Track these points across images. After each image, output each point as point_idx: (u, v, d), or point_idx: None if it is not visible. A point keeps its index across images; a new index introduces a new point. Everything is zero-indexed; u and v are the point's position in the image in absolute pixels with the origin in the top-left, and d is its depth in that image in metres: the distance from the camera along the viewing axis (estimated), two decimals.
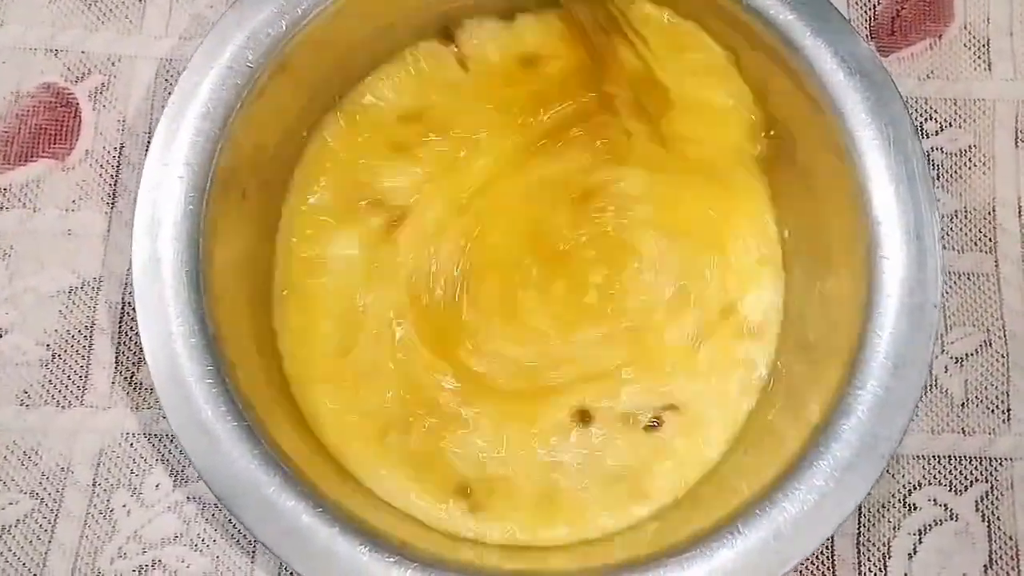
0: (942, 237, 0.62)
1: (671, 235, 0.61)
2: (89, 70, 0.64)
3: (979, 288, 0.62)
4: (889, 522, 0.59)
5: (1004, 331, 0.62)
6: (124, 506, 0.58)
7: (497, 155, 0.62)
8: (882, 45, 0.66)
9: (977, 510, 0.59)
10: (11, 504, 0.58)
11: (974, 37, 0.66)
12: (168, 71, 0.64)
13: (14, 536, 0.58)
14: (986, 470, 0.60)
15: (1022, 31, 0.66)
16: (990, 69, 0.66)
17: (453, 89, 0.62)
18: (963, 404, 0.61)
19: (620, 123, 0.61)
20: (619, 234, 0.61)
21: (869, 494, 0.53)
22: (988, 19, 0.66)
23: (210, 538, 0.58)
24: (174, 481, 0.59)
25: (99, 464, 0.59)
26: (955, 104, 0.65)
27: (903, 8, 0.67)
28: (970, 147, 0.64)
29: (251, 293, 0.57)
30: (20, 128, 0.63)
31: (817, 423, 0.51)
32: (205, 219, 0.52)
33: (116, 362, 0.60)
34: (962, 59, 0.66)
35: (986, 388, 0.61)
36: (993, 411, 0.61)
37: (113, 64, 0.64)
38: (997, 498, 0.60)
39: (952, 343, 0.62)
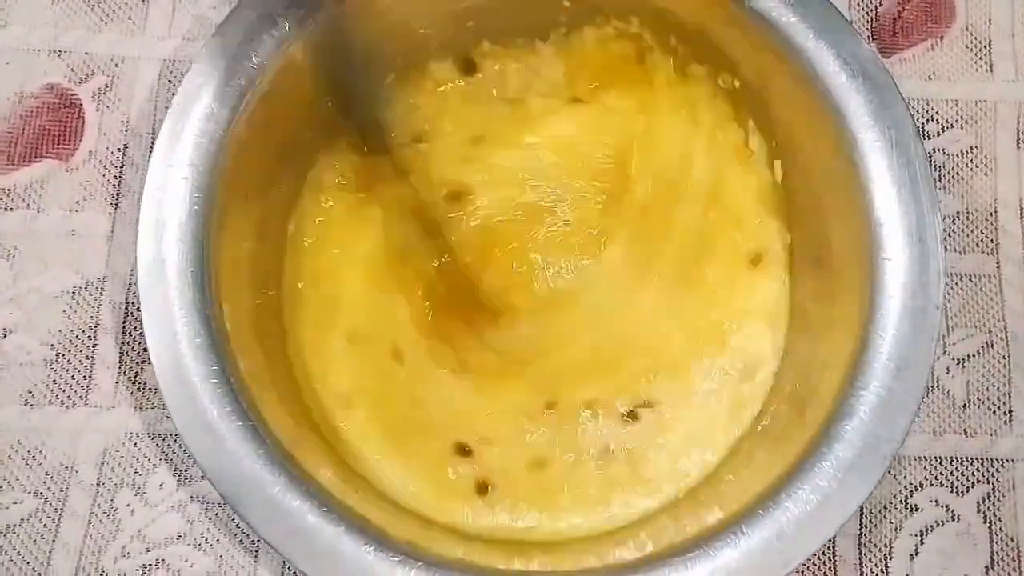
0: (944, 239, 0.62)
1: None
2: (92, 71, 0.64)
3: (981, 289, 0.62)
4: (891, 523, 0.59)
5: (1006, 332, 0.62)
6: (128, 505, 0.58)
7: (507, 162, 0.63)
8: (884, 46, 0.66)
9: (979, 511, 0.60)
10: (15, 503, 0.58)
11: (976, 38, 0.66)
12: (171, 72, 0.64)
13: (18, 535, 0.58)
14: (988, 471, 0.60)
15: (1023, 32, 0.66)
16: (992, 70, 0.66)
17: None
18: (965, 405, 0.61)
19: None
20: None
21: (871, 495, 0.53)
22: (990, 20, 0.67)
23: (214, 537, 0.58)
24: (178, 481, 0.59)
25: (103, 463, 0.59)
26: (957, 105, 0.65)
27: (905, 9, 0.67)
28: (972, 148, 0.65)
29: (256, 293, 0.57)
30: (24, 129, 0.63)
31: (820, 424, 0.51)
32: (209, 220, 0.52)
33: (120, 362, 0.60)
34: (964, 60, 0.66)
35: (988, 389, 0.61)
36: (995, 412, 0.61)
37: (116, 65, 0.64)
38: (999, 499, 0.60)
39: (954, 344, 0.62)
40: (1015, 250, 0.63)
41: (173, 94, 0.54)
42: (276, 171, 0.58)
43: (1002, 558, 0.59)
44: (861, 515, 0.59)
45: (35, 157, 0.63)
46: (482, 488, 0.58)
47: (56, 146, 0.63)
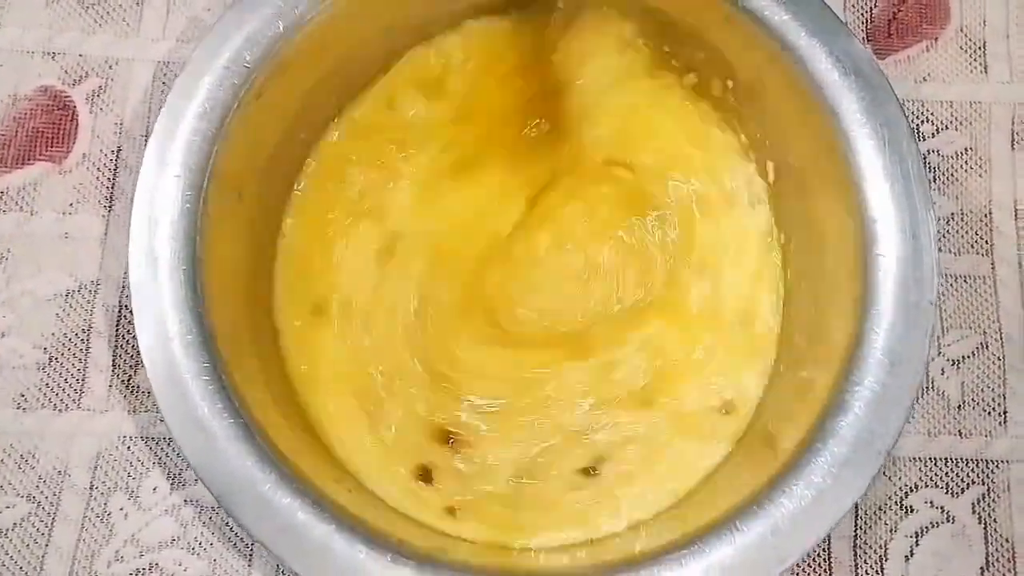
0: (939, 240, 0.62)
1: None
2: (86, 73, 0.64)
3: (975, 291, 0.62)
4: (886, 524, 0.59)
5: (1000, 333, 0.62)
6: (121, 509, 0.58)
7: (496, 165, 0.63)
8: (879, 47, 0.66)
9: (974, 512, 0.59)
10: (8, 508, 0.58)
11: (970, 40, 0.66)
12: (165, 74, 0.64)
13: (11, 540, 0.58)
14: (983, 472, 0.60)
15: (1018, 34, 0.66)
16: (986, 72, 0.66)
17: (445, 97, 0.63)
18: (960, 406, 0.61)
19: None
20: None
21: (865, 495, 0.54)
22: (984, 22, 0.67)
23: (207, 541, 0.58)
24: (171, 484, 0.59)
25: (96, 467, 0.59)
26: (951, 107, 0.65)
27: (899, 11, 0.67)
28: (966, 150, 0.65)
29: (248, 292, 0.57)
30: (17, 131, 0.63)
31: (814, 420, 0.51)
32: (202, 219, 0.52)
33: (113, 365, 0.60)
34: (958, 62, 0.66)
35: (982, 390, 0.61)
36: (989, 413, 0.61)
37: (110, 67, 0.64)
38: (994, 500, 0.60)
39: (949, 345, 0.62)
40: (1010, 251, 0.63)
41: (167, 95, 0.54)
42: (269, 170, 0.58)
43: (997, 559, 0.59)
44: (856, 516, 0.59)
45: (28, 159, 0.63)
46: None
47: (49, 148, 0.63)
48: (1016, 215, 0.64)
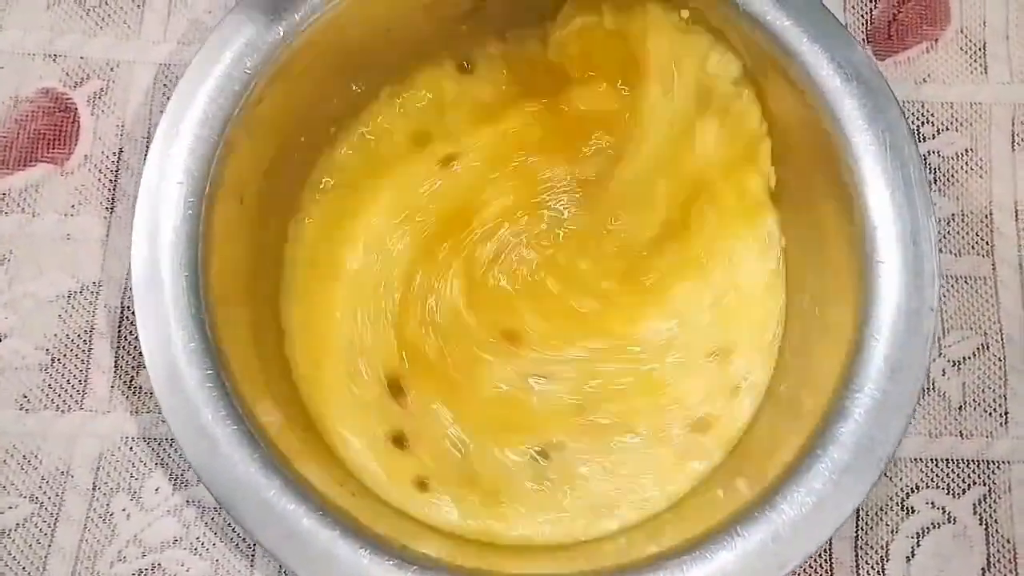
0: (939, 241, 0.62)
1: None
2: (88, 75, 0.64)
3: (976, 291, 0.62)
4: (887, 525, 0.59)
5: (1001, 334, 0.62)
6: (124, 510, 0.58)
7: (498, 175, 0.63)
8: (878, 49, 0.66)
9: (975, 513, 0.60)
10: (11, 508, 0.58)
11: (970, 41, 0.66)
12: (167, 76, 0.64)
13: (14, 540, 0.58)
14: (984, 473, 0.60)
15: (1018, 35, 0.66)
16: (986, 73, 0.66)
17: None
18: (961, 407, 0.61)
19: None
20: None
21: (867, 497, 0.54)
22: (984, 23, 0.67)
23: (210, 542, 0.58)
24: (173, 485, 0.59)
25: (99, 468, 0.59)
26: (951, 108, 0.65)
27: (899, 12, 0.67)
28: (967, 151, 0.65)
29: (251, 297, 0.57)
30: (19, 133, 0.63)
31: (815, 426, 0.51)
32: (204, 224, 0.52)
33: (115, 366, 0.60)
34: (958, 63, 0.66)
35: (983, 391, 0.61)
36: (991, 414, 0.61)
37: (112, 69, 0.64)
38: (995, 501, 0.60)
39: (949, 346, 0.62)
40: (1010, 252, 0.63)
41: (168, 98, 0.54)
42: (271, 175, 0.58)
43: (998, 560, 0.59)
44: (857, 517, 0.59)
45: (30, 161, 0.63)
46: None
47: (51, 150, 0.63)
48: (1017, 216, 0.64)
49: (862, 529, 0.59)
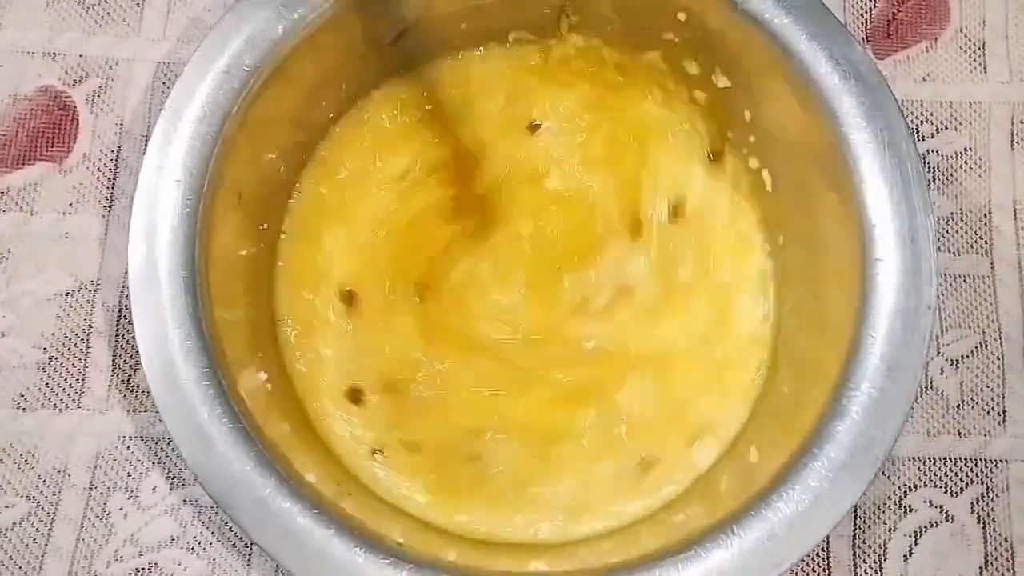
0: (938, 240, 0.62)
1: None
2: (87, 73, 0.64)
3: (975, 290, 0.62)
4: (885, 524, 0.59)
5: (1000, 333, 0.62)
6: (121, 509, 0.58)
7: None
8: (878, 48, 0.66)
9: (973, 512, 0.60)
10: (7, 507, 0.58)
11: (970, 40, 0.66)
12: (166, 74, 0.64)
13: (10, 539, 0.58)
14: (982, 472, 0.60)
15: (1017, 34, 0.66)
16: (986, 72, 0.66)
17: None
18: (959, 406, 0.61)
19: None
20: None
21: (864, 495, 0.54)
22: (984, 22, 0.67)
23: (207, 541, 0.58)
24: (170, 484, 0.59)
25: (96, 467, 0.59)
26: (951, 107, 0.65)
27: (899, 11, 0.67)
28: (966, 150, 0.65)
29: (248, 295, 0.57)
30: (17, 131, 0.63)
31: (812, 424, 0.51)
32: (202, 223, 0.52)
33: (113, 365, 0.60)
34: (958, 62, 0.66)
35: (982, 390, 0.61)
36: (989, 413, 0.61)
37: (111, 67, 0.64)
38: (993, 500, 0.60)
39: (948, 345, 0.62)
40: (1009, 251, 0.63)
41: (167, 96, 0.54)
42: (269, 173, 0.58)
43: (996, 559, 0.59)
44: (855, 516, 0.59)
45: (29, 160, 0.63)
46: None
47: (50, 149, 0.63)
48: (1015, 215, 0.64)
49: (860, 528, 0.59)
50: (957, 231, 0.63)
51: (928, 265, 0.51)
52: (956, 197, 0.64)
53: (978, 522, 0.59)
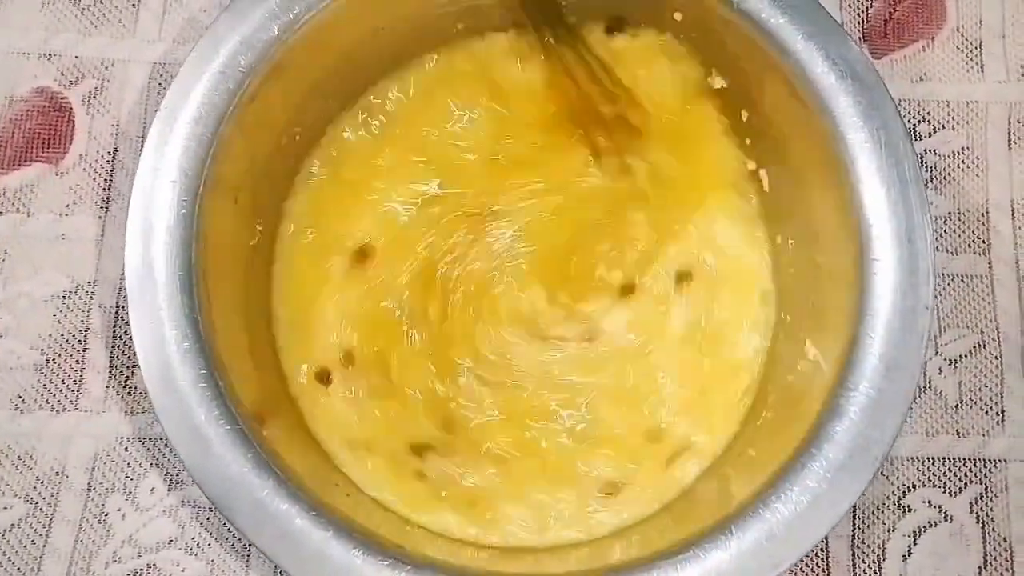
0: (935, 239, 0.62)
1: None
2: (82, 74, 0.64)
3: (973, 290, 0.62)
4: (884, 524, 0.59)
5: (998, 333, 0.62)
6: (119, 510, 0.58)
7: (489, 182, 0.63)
8: (875, 47, 0.66)
9: (971, 512, 0.59)
10: (5, 509, 0.58)
11: (967, 39, 0.66)
12: (161, 75, 0.64)
13: (9, 541, 0.58)
14: (980, 472, 0.60)
15: (1014, 33, 0.66)
16: (983, 71, 0.66)
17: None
18: (957, 406, 0.61)
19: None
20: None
21: (863, 496, 0.54)
22: (981, 21, 0.67)
23: (204, 542, 0.58)
24: (168, 485, 0.59)
25: (94, 468, 0.59)
26: (948, 106, 0.65)
27: (896, 10, 0.67)
28: (963, 149, 0.65)
29: (245, 296, 0.57)
30: (13, 133, 0.63)
31: (810, 425, 0.51)
32: (198, 224, 0.52)
33: (110, 366, 0.60)
34: (955, 61, 0.66)
35: (980, 390, 0.61)
36: (987, 413, 0.61)
37: (106, 68, 0.64)
38: (991, 500, 0.60)
39: (946, 345, 0.62)
40: (1007, 250, 0.63)
41: (163, 97, 0.54)
42: (265, 173, 0.58)
43: (995, 558, 0.59)
44: (854, 516, 0.59)
45: (25, 161, 0.63)
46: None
47: (46, 150, 0.63)
48: (1013, 214, 0.64)
49: (858, 528, 0.59)
50: (954, 231, 0.63)
51: (926, 265, 0.52)
52: (953, 197, 0.64)
53: (977, 522, 0.59)
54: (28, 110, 0.63)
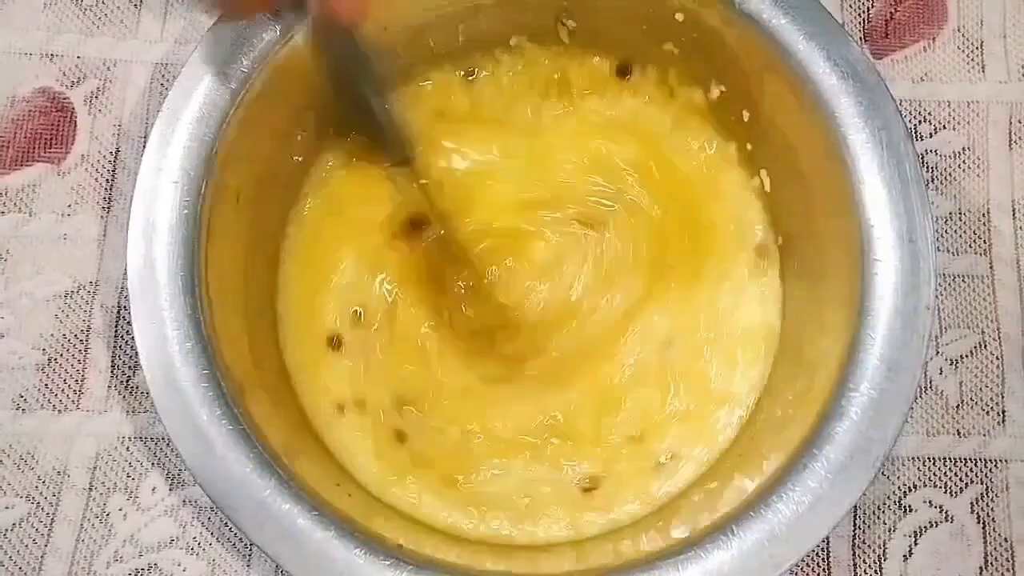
0: (937, 240, 0.62)
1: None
2: (84, 75, 0.64)
3: (974, 290, 0.62)
4: (885, 524, 0.59)
5: (999, 333, 0.62)
6: (120, 510, 0.58)
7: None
8: (876, 48, 0.66)
9: (972, 512, 0.59)
10: (7, 508, 0.58)
11: (968, 39, 0.66)
12: (163, 75, 0.64)
13: (10, 540, 0.58)
14: (981, 472, 0.60)
15: (1015, 33, 0.66)
16: (984, 71, 0.66)
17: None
18: (958, 406, 0.61)
19: None
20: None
21: (864, 496, 0.53)
22: (982, 21, 0.66)
23: (206, 542, 0.58)
24: (170, 485, 0.59)
25: (95, 468, 0.59)
26: (949, 106, 0.65)
27: (897, 11, 0.67)
28: (964, 149, 0.65)
29: (246, 296, 0.57)
30: (16, 133, 0.63)
31: (811, 425, 0.51)
32: (200, 224, 0.52)
33: (112, 366, 0.60)
34: (956, 61, 0.66)
35: (981, 390, 0.61)
36: (988, 413, 0.61)
37: (108, 68, 0.64)
38: (992, 500, 0.60)
39: (947, 345, 0.62)
40: (1008, 251, 0.63)
41: (165, 97, 0.54)
42: (268, 173, 0.58)
43: (996, 559, 0.59)
44: (855, 516, 0.59)
45: (27, 161, 0.63)
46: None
47: (48, 150, 0.63)
48: (1014, 214, 0.64)
49: (859, 528, 0.59)
50: (956, 231, 0.63)
51: (927, 265, 0.52)
52: (954, 197, 0.64)
53: (978, 522, 0.59)
54: (30, 110, 0.63)
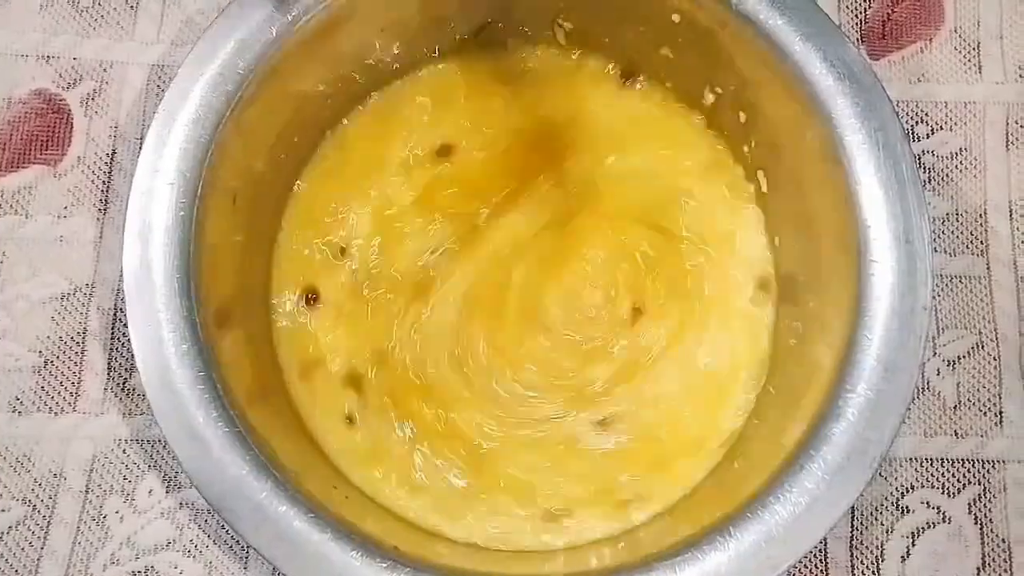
0: (933, 240, 0.62)
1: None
2: (81, 76, 0.64)
3: (971, 291, 0.62)
4: (882, 525, 0.59)
5: (996, 333, 0.62)
6: (117, 512, 0.58)
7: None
8: (873, 48, 0.66)
9: (970, 512, 0.59)
10: (3, 511, 0.58)
11: (964, 40, 0.66)
12: (160, 77, 0.64)
13: (7, 543, 0.58)
14: (979, 472, 0.60)
15: (1012, 34, 0.66)
16: (980, 72, 0.66)
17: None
18: (955, 407, 0.61)
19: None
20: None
21: (861, 497, 0.53)
22: (978, 22, 0.66)
23: (203, 544, 0.58)
24: (166, 487, 0.59)
25: (92, 470, 0.59)
26: (946, 107, 0.65)
27: (894, 11, 0.67)
28: (961, 150, 0.64)
29: (244, 297, 0.57)
30: (12, 135, 0.63)
31: (808, 426, 0.51)
32: (196, 226, 0.52)
33: (108, 368, 0.60)
34: (953, 62, 0.66)
35: (978, 390, 0.61)
36: (985, 413, 0.61)
37: (105, 70, 0.64)
38: (990, 500, 0.60)
39: (944, 346, 0.62)
40: (1005, 251, 0.63)
41: (161, 99, 0.54)
42: (264, 175, 0.58)
43: (993, 559, 0.59)
44: (852, 517, 0.59)
45: (23, 163, 0.63)
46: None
47: (44, 152, 0.63)
48: (1011, 215, 0.63)
49: (857, 529, 0.59)
50: (953, 232, 0.63)
51: (924, 266, 0.52)
52: (951, 198, 0.64)
53: (975, 523, 0.59)
54: (26, 112, 0.63)
